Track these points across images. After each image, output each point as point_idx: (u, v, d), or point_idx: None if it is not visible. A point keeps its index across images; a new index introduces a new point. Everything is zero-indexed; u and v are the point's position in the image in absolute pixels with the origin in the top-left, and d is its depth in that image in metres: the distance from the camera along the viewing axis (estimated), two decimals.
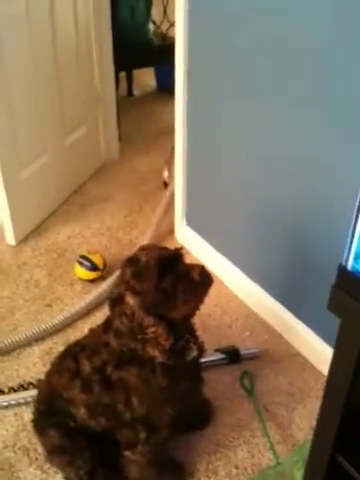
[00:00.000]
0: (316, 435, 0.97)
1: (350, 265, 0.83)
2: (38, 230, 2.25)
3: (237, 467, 1.33)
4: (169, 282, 1.02)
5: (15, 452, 1.36)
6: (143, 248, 1.07)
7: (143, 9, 3.09)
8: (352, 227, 0.80)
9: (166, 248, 1.09)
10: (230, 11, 1.55)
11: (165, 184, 2.52)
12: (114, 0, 2.61)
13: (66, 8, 2.24)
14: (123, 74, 3.60)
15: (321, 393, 0.88)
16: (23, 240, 2.18)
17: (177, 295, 1.03)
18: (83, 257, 1.93)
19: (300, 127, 1.42)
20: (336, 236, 1.08)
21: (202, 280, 1.05)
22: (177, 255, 1.06)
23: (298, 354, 1.67)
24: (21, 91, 2.01)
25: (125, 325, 1.03)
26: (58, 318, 1.71)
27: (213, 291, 1.88)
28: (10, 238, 2.14)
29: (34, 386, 1.49)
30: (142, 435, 1.14)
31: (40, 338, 1.69)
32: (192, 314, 1.13)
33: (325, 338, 1.54)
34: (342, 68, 1.24)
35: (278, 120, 1.49)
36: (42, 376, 1.32)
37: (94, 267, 1.91)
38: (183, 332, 1.14)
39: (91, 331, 1.20)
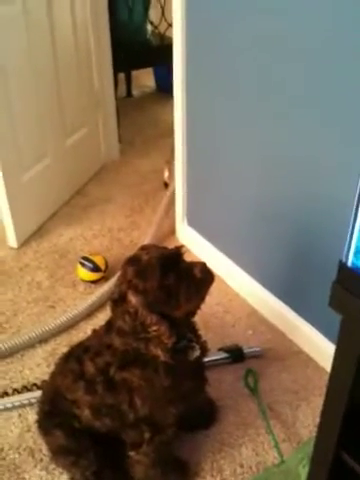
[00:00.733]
0: (320, 432, 0.97)
1: (350, 261, 0.83)
2: (40, 232, 2.26)
3: (242, 465, 1.34)
4: (171, 280, 1.02)
5: (20, 453, 1.36)
6: (144, 248, 1.08)
7: (141, 10, 3.09)
8: (351, 223, 0.80)
9: (166, 248, 1.10)
10: (228, 10, 1.55)
11: (166, 184, 2.53)
12: (112, 1, 2.61)
13: (64, 10, 2.24)
14: (122, 75, 3.60)
15: (325, 390, 0.88)
16: (25, 242, 2.18)
17: (180, 292, 1.03)
18: (85, 258, 1.93)
19: (299, 126, 1.42)
20: (337, 233, 1.09)
21: (204, 277, 1.06)
22: (178, 253, 1.07)
23: (301, 352, 1.67)
24: (21, 94, 2.02)
25: (128, 324, 1.04)
26: (58, 320, 1.72)
27: (215, 290, 1.90)
28: (12, 241, 2.15)
29: (38, 387, 1.49)
30: (146, 435, 1.14)
31: (43, 340, 1.69)
32: (194, 313, 1.13)
33: (328, 335, 1.54)
34: (341, 66, 1.24)
35: (277, 119, 1.49)
36: (46, 377, 1.33)
37: (96, 268, 1.91)
38: (185, 331, 1.15)
39: (94, 332, 1.20)
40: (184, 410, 1.18)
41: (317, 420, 0.92)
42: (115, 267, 1.91)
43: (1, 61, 1.87)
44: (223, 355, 1.61)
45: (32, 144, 2.15)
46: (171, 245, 1.14)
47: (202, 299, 1.10)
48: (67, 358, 1.22)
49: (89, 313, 1.79)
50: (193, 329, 1.20)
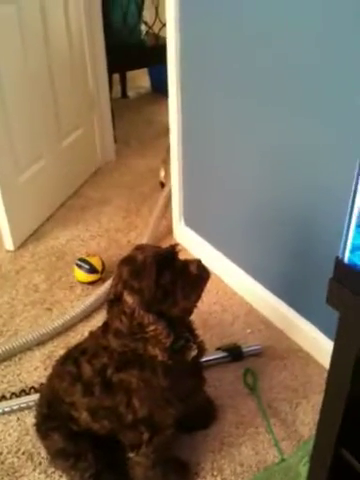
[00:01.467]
0: (319, 429, 0.96)
1: (347, 258, 0.83)
2: (36, 234, 2.25)
3: (242, 465, 1.33)
4: (167, 278, 1.01)
5: (19, 457, 1.35)
6: (138, 247, 1.07)
7: (134, 11, 3.08)
8: (347, 219, 0.80)
9: (160, 247, 1.09)
10: (221, 9, 1.54)
11: (162, 184, 2.52)
12: (105, 3, 2.61)
13: (57, 11, 2.24)
14: (117, 76, 3.60)
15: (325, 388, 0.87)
16: (22, 245, 2.17)
17: (176, 290, 1.03)
18: (82, 260, 1.93)
19: (297, 126, 1.41)
20: (334, 230, 1.08)
21: (200, 273, 1.05)
22: (173, 251, 1.06)
23: (301, 350, 1.66)
24: (15, 95, 2.01)
25: (124, 324, 1.03)
26: (55, 323, 1.71)
27: (214, 289, 1.91)
28: (8, 243, 2.14)
29: (36, 390, 1.48)
30: (145, 436, 1.13)
31: (41, 342, 1.69)
32: (190, 311, 1.13)
33: (327, 333, 1.53)
34: (339, 67, 1.24)
35: (274, 118, 1.48)
36: (44, 380, 1.32)
37: (93, 269, 1.91)
38: (182, 331, 1.14)
39: (91, 334, 1.20)
40: (183, 410, 1.17)
41: (317, 418, 0.92)
42: (112, 268, 1.89)
43: None
44: (221, 354, 1.60)
45: (27, 145, 2.15)
46: (168, 245, 1.13)
47: (199, 296, 1.09)
48: (64, 361, 1.21)
49: (86, 315, 1.79)
50: (190, 329, 1.19)
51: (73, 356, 1.18)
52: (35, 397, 1.41)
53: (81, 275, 1.92)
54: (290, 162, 1.48)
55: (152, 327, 1.03)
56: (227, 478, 1.30)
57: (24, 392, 1.50)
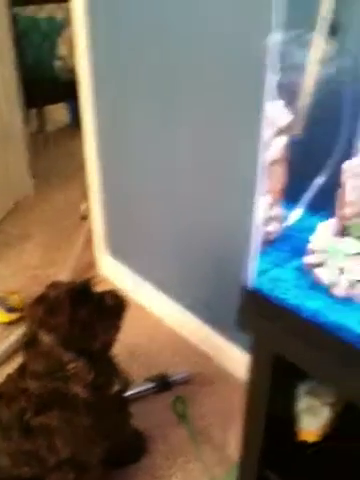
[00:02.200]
0: (242, 452, 0.98)
1: (252, 283, 0.85)
2: None
3: None
4: (83, 312, 1.00)
5: None
6: (50, 285, 1.05)
7: (48, 47, 3.10)
8: (251, 246, 0.83)
9: (75, 282, 1.08)
10: (133, 41, 1.58)
11: (83, 217, 2.50)
12: (18, 40, 2.60)
13: None
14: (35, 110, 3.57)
15: None
16: None
17: (94, 324, 1.02)
18: (0, 299, 1.86)
19: (202, 159, 1.46)
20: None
21: (116, 304, 1.05)
22: (87, 284, 1.05)
23: (229, 373, 1.68)
24: None
25: (42, 365, 1.00)
26: None
27: (139, 319, 1.90)
28: None
29: None
30: (71, 477, 1.09)
31: None
32: (111, 344, 1.11)
33: None
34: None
35: (190, 141, 1.52)
36: None
37: (12, 308, 1.84)
38: (104, 366, 1.12)
39: (8, 377, 1.15)
40: (109, 447, 1.15)
41: None
42: None
43: None
44: (149, 385, 1.59)
45: None
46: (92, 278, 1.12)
47: (118, 327, 1.08)
48: None
49: (7, 356, 1.71)
50: (111, 362, 1.18)
51: None
52: None
53: (0, 315, 1.85)
54: (206, 188, 1.52)
55: (72, 365, 1.00)
56: None
57: None
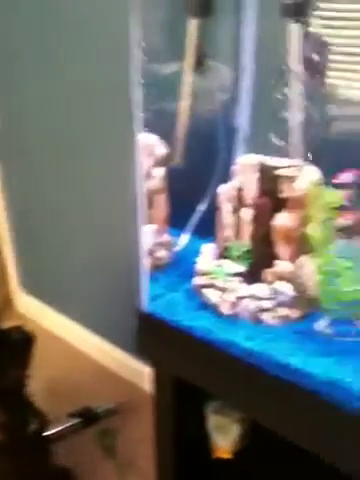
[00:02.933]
0: (156, 475, 0.98)
1: (146, 309, 0.88)
2: None
3: None
4: None
5: None
6: None
7: None
8: (140, 273, 0.85)
9: None
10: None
11: None
12: None
13: None
14: None
15: None
16: None
17: (1, 362, 1.00)
18: None
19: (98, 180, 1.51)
20: None
21: (23, 338, 1.04)
22: None
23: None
24: None
25: None
26: None
27: (59, 353, 1.86)
28: None
29: None
30: None
31: None
32: (23, 382, 1.09)
33: None
34: None
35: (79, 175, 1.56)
36: None
37: None
38: (18, 405, 1.10)
39: None
40: None
41: None
42: None
43: None
44: (74, 421, 1.55)
45: None
46: (9, 318, 1.10)
47: (27, 363, 1.07)
48: None
49: None
50: (26, 401, 1.15)
51: None
52: None
53: None
54: (103, 220, 1.56)
55: None
56: None
57: None
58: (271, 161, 0.78)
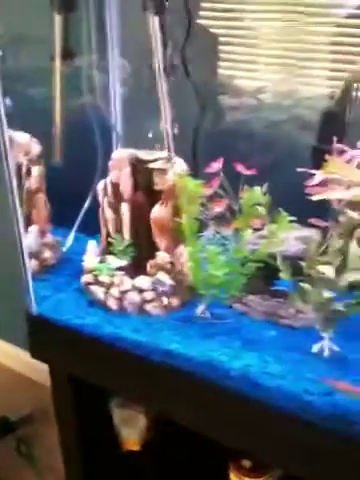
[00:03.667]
0: (65, 474, 0.98)
1: (35, 311, 0.86)
2: None
3: None
4: None
5: None
6: None
7: None
8: (26, 273, 0.83)
9: None
10: None
11: None
12: None
13: None
14: None
15: None
16: None
17: None
18: None
19: None
20: None
21: None
22: None
23: None
24: None
25: None
26: None
27: None
28: None
29: None
30: None
31: None
32: None
33: None
34: None
35: None
36: None
37: None
38: None
39: None
40: None
41: None
42: None
43: None
44: None
45: None
46: None
47: None
48: None
49: None
50: None
51: None
52: None
53: None
54: None
55: None
56: None
57: None
58: (142, 154, 0.78)
